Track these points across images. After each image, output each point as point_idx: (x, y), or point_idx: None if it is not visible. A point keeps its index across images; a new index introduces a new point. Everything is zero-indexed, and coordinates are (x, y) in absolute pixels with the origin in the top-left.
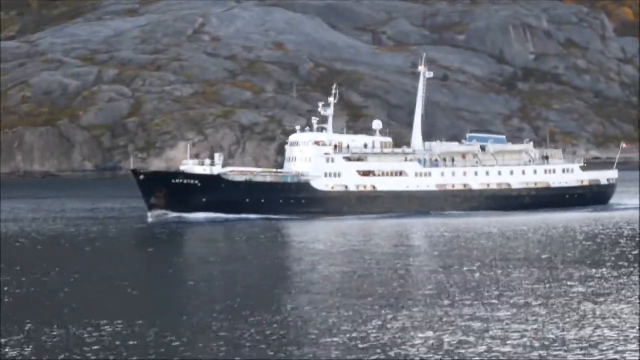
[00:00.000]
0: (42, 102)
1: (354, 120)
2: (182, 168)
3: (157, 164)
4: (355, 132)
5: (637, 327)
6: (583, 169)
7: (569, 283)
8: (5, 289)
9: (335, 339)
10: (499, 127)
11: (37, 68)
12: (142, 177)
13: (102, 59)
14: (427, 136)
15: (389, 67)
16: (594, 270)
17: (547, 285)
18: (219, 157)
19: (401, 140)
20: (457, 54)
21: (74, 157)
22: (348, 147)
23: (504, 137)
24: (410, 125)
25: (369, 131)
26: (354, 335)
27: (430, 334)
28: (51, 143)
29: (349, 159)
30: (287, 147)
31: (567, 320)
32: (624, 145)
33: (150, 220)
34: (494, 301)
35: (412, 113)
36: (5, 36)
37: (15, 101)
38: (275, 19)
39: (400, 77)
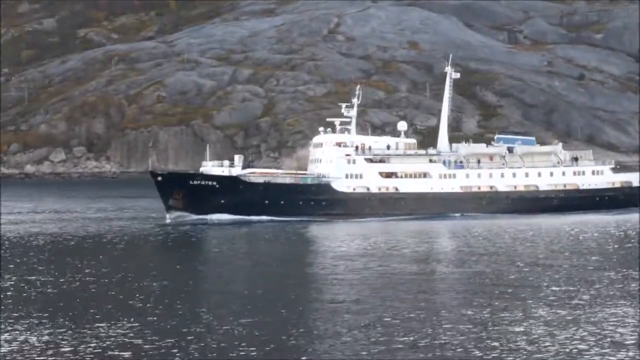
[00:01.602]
0: (177, 102)
1: (487, 119)
2: (201, 169)
3: (288, 164)
4: (488, 132)
5: None
6: (614, 170)
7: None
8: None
9: (357, 341)
10: (635, 127)
11: (172, 68)
12: (159, 178)
13: (237, 58)
14: (564, 135)
15: (524, 66)
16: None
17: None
18: (238, 159)
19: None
20: (594, 52)
21: (207, 157)
22: (370, 148)
23: (533, 138)
24: (546, 124)
25: (503, 130)
26: (377, 336)
27: (460, 336)
28: (185, 142)
29: (370, 160)
30: (310, 148)
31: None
32: None
33: (168, 221)
34: (519, 303)
35: (548, 112)
36: (143, 36)
37: (151, 101)
38: (411, 18)
39: (536, 76)
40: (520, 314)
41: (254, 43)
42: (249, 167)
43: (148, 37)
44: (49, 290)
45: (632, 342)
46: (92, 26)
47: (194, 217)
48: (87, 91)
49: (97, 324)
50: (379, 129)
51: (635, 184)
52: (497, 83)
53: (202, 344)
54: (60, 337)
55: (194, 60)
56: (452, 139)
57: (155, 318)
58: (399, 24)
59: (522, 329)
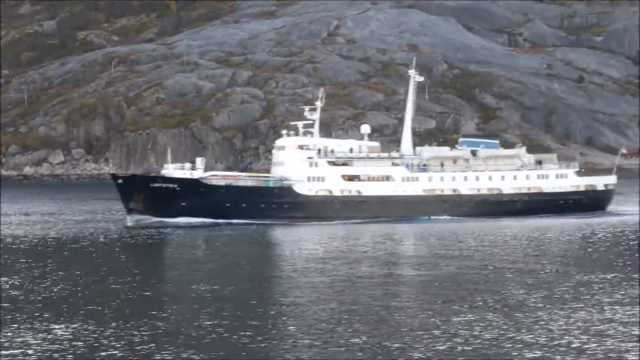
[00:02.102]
0: (176, 104)
1: (486, 121)
2: (163, 172)
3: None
4: (487, 134)
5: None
6: (579, 174)
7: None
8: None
9: (317, 342)
10: (634, 130)
11: (172, 70)
12: (120, 180)
13: (237, 61)
14: (563, 138)
15: (524, 69)
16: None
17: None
18: (200, 161)
19: (533, 142)
20: (594, 55)
21: (206, 159)
22: (332, 151)
23: (497, 142)
24: (545, 127)
25: (501, 133)
26: (342, 340)
27: (429, 339)
28: (184, 144)
29: (333, 163)
30: (273, 151)
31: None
32: (623, 151)
33: (129, 224)
34: (481, 304)
35: (547, 115)
36: (144, 38)
37: (150, 103)
38: (410, 21)
39: (536, 79)
40: (477, 317)
41: (253, 45)
42: (246, 169)
43: (148, 39)
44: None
45: (585, 345)
46: (92, 28)
47: (155, 219)
48: (86, 93)
49: (50, 325)
50: (377, 132)
51: (599, 187)
52: (497, 85)
53: (165, 345)
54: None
55: (194, 62)
56: (450, 142)
57: (112, 319)
58: (399, 26)
59: (476, 332)
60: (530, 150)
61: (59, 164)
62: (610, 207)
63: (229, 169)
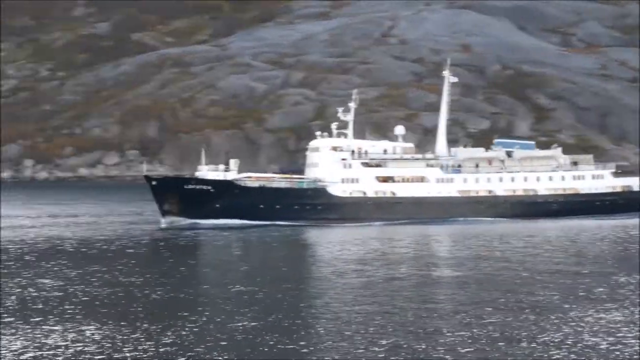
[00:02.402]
0: (229, 106)
1: (540, 122)
2: (197, 174)
3: None
4: (541, 135)
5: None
6: (615, 175)
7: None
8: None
9: (357, 343)
10: None
11: (225, 71)
12: (154, 182)
13: (290, 62)
14: (618, 138)
15: (578, 69)
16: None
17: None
18: (234, 163)
19: (587, 143)
20: None
21: (259, 160)
22: (366, 152)
23: (533, 143)
24: (600, 127)
25: (555, 133)
26: (376, 338)
27: (462, 339)
28: (237, 146)
29: (367, 165)
30: (307, 153)
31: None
32: None
33: (163, 226)
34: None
35: (602, 116)
36: (197, 40)
37: (203, 104)
38: (464, 21)
39: (590, 79)
40: (511, 319)
41: (307, 46)
42: (300, 170)
43: (202, 40)
44: (46, 293)
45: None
46: (146, 30)
47: (189, 221)
48: (140, 95)
49: (82, 326)
50: (430, 133)
51: (635, 188)
52: (550, 86)
53: (203, 347)
54: (52, 339)
55: (247, 63)
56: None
57: (153, 323)
58: (452, 26)
59: (508, 333)
60: (584, 151)
61: (113, 165)
62: None
63: (281, 170)
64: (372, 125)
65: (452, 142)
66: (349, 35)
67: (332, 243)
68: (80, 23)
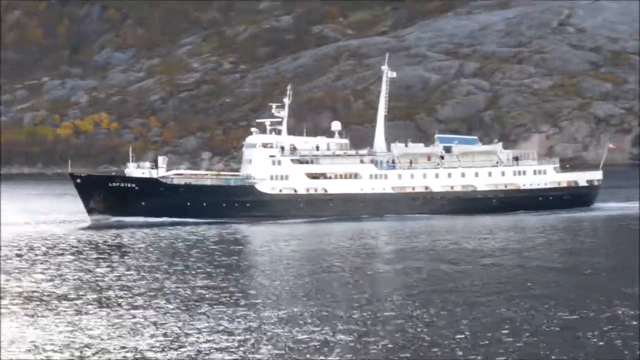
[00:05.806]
0: (402, 96)
1: None
2: (125, 171)
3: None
4: None
5: None
6: (560, 170)
7: None
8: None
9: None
10: None
11: (400, 62)
12: (78, 180)
13: (465, 52)
14: None
15: None
16: None
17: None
18: (162, 160)
19: None
20: None
21: None
22: (295, 149)
23: (475, 138)
24: None
25: None
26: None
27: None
28: (409, 136)
29: (298, 161)
30: (243, 149)
31: None
32: (610, 145)
33: (89, 224)
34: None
35: None
36: (377, 31)
37: (376, 96)
38: None
39: None
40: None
41: (483, 36)
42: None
43: (381, 32)
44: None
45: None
46: (327, 22)
47: (114, 219)
48: (315, 87)
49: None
50: (604, 122)
51: (582, 183)
52: None
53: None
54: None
55: (422, 54)
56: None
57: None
58: (631, 14)
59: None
60: None
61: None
62: (597, 203)
63: None
64: (545, 115)
65: (623, 131)
66: (525, 25)
67: (258, 240)
68: (265, 16)
